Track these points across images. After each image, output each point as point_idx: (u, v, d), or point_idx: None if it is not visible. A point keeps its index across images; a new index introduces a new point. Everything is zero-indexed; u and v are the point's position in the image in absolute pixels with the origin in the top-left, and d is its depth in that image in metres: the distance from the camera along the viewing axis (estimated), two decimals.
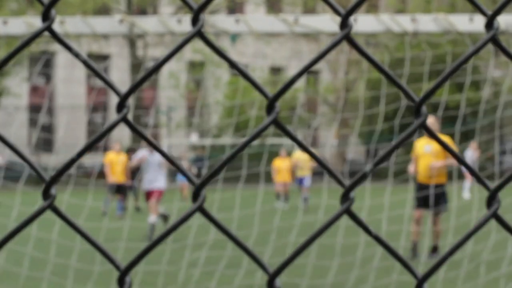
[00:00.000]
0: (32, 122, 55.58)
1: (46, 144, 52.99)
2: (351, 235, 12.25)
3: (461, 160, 1.37)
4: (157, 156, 16.10)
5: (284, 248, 12.89)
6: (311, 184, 25.80)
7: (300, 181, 26.27)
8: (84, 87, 56.56)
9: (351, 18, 1.28)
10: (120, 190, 21.80)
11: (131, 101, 1.24)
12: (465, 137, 32.58)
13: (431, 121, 12.77)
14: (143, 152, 16.69)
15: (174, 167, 1.29)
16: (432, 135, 1.33)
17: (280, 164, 27.18)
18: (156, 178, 16.19)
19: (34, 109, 54.80)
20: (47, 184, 1.23)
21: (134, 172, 23.78)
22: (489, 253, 12.09)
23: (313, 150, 1.37)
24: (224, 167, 1.27)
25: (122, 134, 50.44)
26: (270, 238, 13.21)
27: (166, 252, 12.11)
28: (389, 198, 14.36)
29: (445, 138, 11.98)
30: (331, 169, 1.34)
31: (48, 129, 54.78)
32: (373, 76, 35.24)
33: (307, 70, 1.29)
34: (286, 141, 40.32)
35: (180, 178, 30.19)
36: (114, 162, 22.30)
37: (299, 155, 26.05)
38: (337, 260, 11.61)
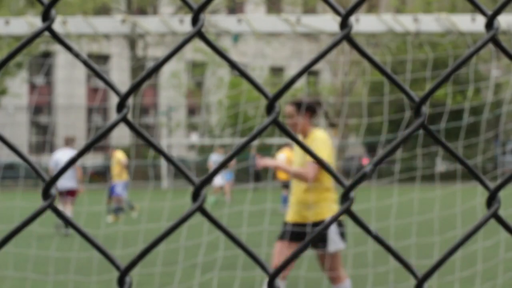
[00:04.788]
0: (32, 122, 55.58)
1: (46, 144, 52.98)
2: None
3: (462, 161, 1.37)
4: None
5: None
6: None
7: (112, 189, 22.03)
8: (84, 88, 56.58)
9: (352, 18, 1.28)
10: (286, 186, 24.05)
11: (130, 101, 1.24)
12: (467, 136, 32.64)
13: None
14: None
15: (174, 167, 1.29)
16: (433, 136, 1.33)
17: None
18: None
19: (34, 109, 54.82)
20: (47, 184, 1.23)
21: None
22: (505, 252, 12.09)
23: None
24: (223, 167, 1.27)
25: (122, 134, 50.46)
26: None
27: (177, 272, 12.10)
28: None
29: None
30: (331, 169, 1.34)
31: (48, 129, 54.78)
32: (374, 77, 35.26)
33: (307, 70, 1.29)
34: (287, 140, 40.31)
35: (227, 178, 29.78)
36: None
37: (120, 155, 22.01)
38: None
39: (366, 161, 50.41)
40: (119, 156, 21.92)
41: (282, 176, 24.76)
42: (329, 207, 6.99)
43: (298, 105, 7.08)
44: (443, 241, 13.23)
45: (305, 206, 6.99)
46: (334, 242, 6.96)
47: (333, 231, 6.92)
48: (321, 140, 6.99)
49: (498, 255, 11.87)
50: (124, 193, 21.82)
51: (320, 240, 6.90)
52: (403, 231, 14.82)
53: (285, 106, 7.39)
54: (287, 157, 25.31)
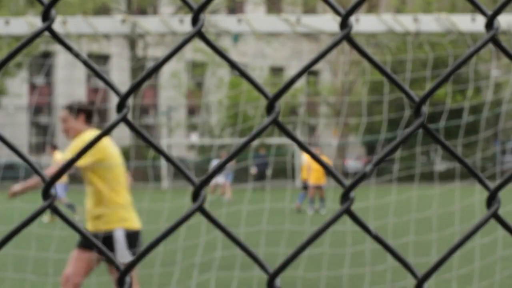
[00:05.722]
0: (32, 122, 55.58)
1: (46, 144, 52.95)
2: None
3: (462, 161, 1.37)
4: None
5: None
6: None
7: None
8: (84, 88, 56.57)
9: (352, 18, 1.28)
10: (306, 187, 25.63)
11: (130, 101, 1.24)
12: (467, 134, 32.56)
13: None
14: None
15: (174, 168, 1.29)
16: (433, 136, 1.33)
17: (314, 163, 24.08)
18: None
19: (35, 109, 54.79)
20: (47, 184, 1.23)
21: None
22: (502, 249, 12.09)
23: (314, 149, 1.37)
24: (223, 167, 1.27)
25: (122, 134, 50.46)
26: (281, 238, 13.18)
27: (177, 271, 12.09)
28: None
29: None
30: (331, 169, 1.34)
31: (48, 129, 54.76)
32: (374, 77, 35.24)
33: (307, 70, 1.29)
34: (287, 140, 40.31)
35: (229, 178, 30.56)
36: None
37: (59, 157, 19.83)
38: (327, 255, 11.60)
39: (347, 161, 51.72)
40: (59, 157, 19.63)
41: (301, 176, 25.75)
42: (118, 214, 6.60)
43: (71, 108, 6.70)
44: (441, 239, 13.24)
45: (94, 215, 6.62)
46: (122, 255, 6.52)
47: (120, 245, 6.52)
48: (80, 140, 6.55)
49: (495, 253, 11.88)
50: (63, 194, 21.19)
51: (110, 250, 6.48)
52: (401, 229, 14.82)
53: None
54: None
